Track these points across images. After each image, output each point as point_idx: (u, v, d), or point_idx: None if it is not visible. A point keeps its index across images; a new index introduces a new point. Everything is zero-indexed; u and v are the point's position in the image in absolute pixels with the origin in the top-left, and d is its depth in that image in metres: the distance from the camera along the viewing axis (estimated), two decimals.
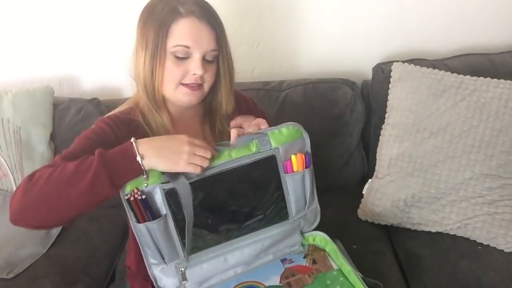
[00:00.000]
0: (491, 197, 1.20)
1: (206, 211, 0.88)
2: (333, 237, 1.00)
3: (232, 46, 0.95)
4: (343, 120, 1.46)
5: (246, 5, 1.50)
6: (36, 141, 1.41)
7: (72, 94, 1.58)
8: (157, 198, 0.84)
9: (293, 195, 0.95)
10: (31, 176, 0.78)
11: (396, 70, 1.35)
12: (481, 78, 1.27)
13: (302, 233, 1.01)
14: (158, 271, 0.89)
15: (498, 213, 1.19)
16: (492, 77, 1.27)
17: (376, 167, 1.35)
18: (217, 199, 0.89)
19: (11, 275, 1.19)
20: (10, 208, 0.76)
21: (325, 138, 1.46)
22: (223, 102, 0.97)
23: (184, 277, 0.90)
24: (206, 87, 0.93)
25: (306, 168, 0.94)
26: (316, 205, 1.01)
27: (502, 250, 1.18)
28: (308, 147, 0.95)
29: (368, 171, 1.52)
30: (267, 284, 0.91)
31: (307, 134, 0.94)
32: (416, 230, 1.28)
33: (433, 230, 1.25)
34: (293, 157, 0.92)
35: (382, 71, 1.43)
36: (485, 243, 1.20)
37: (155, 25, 0.86)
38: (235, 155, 0.88)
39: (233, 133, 0.88)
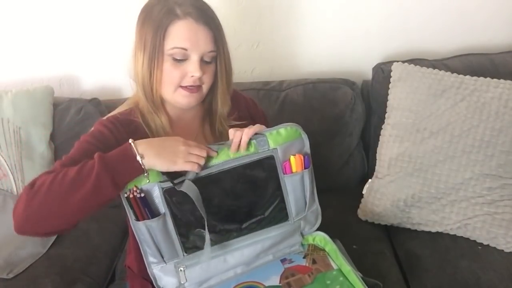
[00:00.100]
0: (491, 197, 1.20)
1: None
2: (333, 237, 1.00)
3: (232, 46, 0.95)
4: (343, 120, 1.46)
5: (246, 5, 1.50)
6: (36, 141, 1.41)
7: (72, 94, 1.58)
8: (156, 197, 0.85)
9: (292, 196, 0.95)
10: (32, 184, 0.77)
11: (396, 70, 1.35)
12: (481, 78, 1.27)
13: (302, 234, 1.01)
14: (158, 270, 0.90)
15: (498, 213, 1.19)
16: (492, 77, 1.27)
17: (376, 167, 1.35)
18: (215, 199, 0.89)
19: (11, 275, 1.19)
20: (14, 218, 0.76)
21: (325, 138, 1.46)
22: (220, 102, 0.98)
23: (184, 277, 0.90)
24: (205, 88, 0.93)
25: (305, 169, 0.93)
26: (316, 206, 1.01)
27: (502, 250, 1.18)
28: (307, 148, 0.95)
29: (368, 171, 1.52)
30: (267, 284, 0.91)
31: (306, 134, 0.94)
32: (416, 230, 1.28)
33: (433, 230, 1.25)
34: (292, 158, 0.92)
35: (382, 71, 1.43)
36: (485, 243, 1.20)
37: (152, 27, 0.86)
38: (233, 155, 0.88)
39: (231, 132, 0.89)
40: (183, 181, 0.84)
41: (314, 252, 0.99)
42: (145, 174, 0.81)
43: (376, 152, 1.36)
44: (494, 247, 1.19)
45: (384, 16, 1.51)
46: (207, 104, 1.01)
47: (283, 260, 0.97)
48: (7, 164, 1.37)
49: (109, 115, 0.96)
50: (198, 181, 0.85)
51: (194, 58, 0.87)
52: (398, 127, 1.30)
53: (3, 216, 1.34)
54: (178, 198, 0.86)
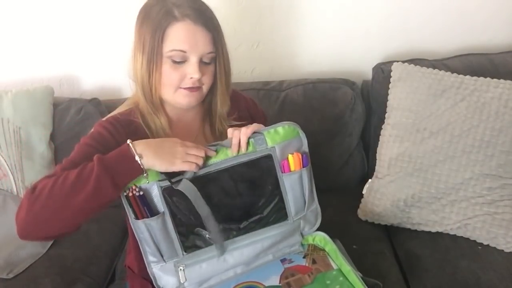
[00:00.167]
0: (491, 197, 1.20)
1: None
2: (333, 237, 1.00)
3: (232, 46, 0.95)
4: (343, 120, 1.46)
5: (246, 5, 1.50)
6: (36, 141, 1.41)
7: (72, 94, 1.58)
8: (155, 196, 0.85)
9: (291, 195, 0.95)
10: (33, 189, 0.78)
11: (396, 70, 1.35)
12: (481, 78, 1.27)
13: (302, 234, 1.01)
14: (158, 269, 0.90)
15: (498, 213, 1.19)
16: (492, 77, 1.27)
17: (376, 167, 1.35)
18: (214, 198, 0.89)
19: (11, 275, 1.19)
20: (17, 224, 0.77)
21: (325, 138, 1.46)
22: (219, 103, 0.98)
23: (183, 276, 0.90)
24: (205, 89, 0.93)
25: (303, 167, 0.94)
26: (316, 205, 1.01)
27: (502, 250, 1.18)
28: (305, 147, 0.95)
29: (368, 171, 1.52)
30: (266, 284, 0.91)
31: (304, 133, 0.94)
32: (416, 230, 1.28)
33: (433, 230, 1.25)
34: (290, 156, 0.93)
35: (382, 71, 1.43)
36: (485, 243, 1.20)
37: (151, 28, 0.86)
38: (231, 154, 0.89)
39: (230, 132, 0.89)
40: (180, 180, 0.84)
41: (314, 252, 0.99)
42: (144, 174, 0.82)
43: (376, 152, 1.36)
44: (494, 247, 1.19)
45: (384, 16, 1.51)
46: (206, 104, 1.01)
47: (283, 260, 0.97)
48: (7, 164, 1.37)
49: (109, 115, 0.96)
50: (196, 180, 0.86)
51: (193, 60, 0.87)
52: (398, 127, 1.30)
53: (3, 216, 1.34)
54: (177, 197, 0.86)
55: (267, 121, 1.12)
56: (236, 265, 0.94)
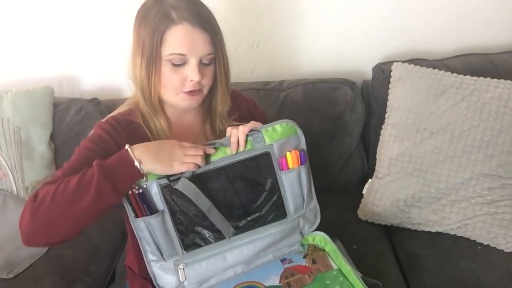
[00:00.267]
0: (491, 197, 1.20)
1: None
2: (333, 237, 1.00)
3: (232, 46, 0.96)
4: (343, 120, 1.46)
5: (246, 5, 1.50)
6: (36, 141, 1.41)
7: (72, 94, 1.58)
8: (154, 194, 0.86)
9: (290, 193, 0.95)
10: (35, 196, 0.78)
11: (396, 70, 1.35)
12: (481, 78, 1.27)
13: (302, 234, 1.01)
14: (157, 268, 0.90)
15: (498, 213, 1.19)
16: (492, 77, 1.27)
17: (376, 167, 1.35)
18: (212, 196, 0.89)
19: (11, 275, 1.19)
20: (21, 231, 0.77)
21: (325, 138, 1.46)
22: (220, 102, 0.98)
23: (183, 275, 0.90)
24: (206, 90, 0.93)
25: (301, 165, 0.94)
26: (315, 204, 1.01)
27: (502, 250, 1.18)
28: (303, 144, 0.95)
29: (368, 171, 1.52)
30: (266, 284, 0.91)
31: (302, 131, 0.94)
32: (416, 230, 1.28)
33: (433, 230, 1.25)
34: (288, 154, 0.93)
35: (382, 71, 1.43)
36: (485, 243, 1.20)
37: (149, 31, 0.85)
38: (230, 152, 0.89)
39: (228, 130, 0.90)
40: (179, 179, 0.85)
41: (314, 252, 0.99)
42: (144, 178, 0.83)
43: (376, 152, 1.36)
44: (494, 247, 1.19)
45: (384, 16, 1.51)
46: (207, 104, 1.01)
47: (283, 260, 0.97)
48: (7, 164, 1.37)
49: (109, 115, 0.96)
50: (195, 178, 0.86)
51: (193, 63, 0.87)
52: (398, 127, 1.30)
53: (3, 216, 1.34)
54: (177, 195, 0.86)
55: (268, 121, 1.11)
56: (236, 264, 0.94)
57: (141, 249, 0.89)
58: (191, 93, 0.90)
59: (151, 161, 0.81)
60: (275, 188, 0.94)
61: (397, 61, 1.37)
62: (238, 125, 0.91)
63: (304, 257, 0.97)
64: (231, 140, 0.89)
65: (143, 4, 0.89)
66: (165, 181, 0.85)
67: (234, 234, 0.93)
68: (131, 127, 0.93)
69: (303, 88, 1.48)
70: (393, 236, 1.33)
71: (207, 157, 0.88)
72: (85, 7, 1.49)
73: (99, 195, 0.77)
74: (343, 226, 1.29)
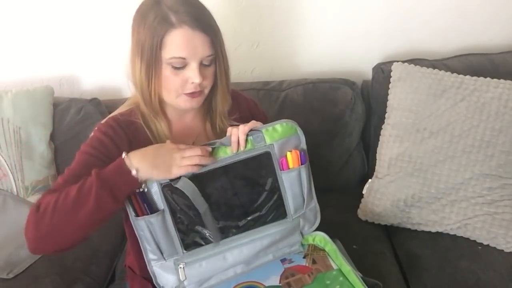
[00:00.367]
0: (491, 197, 1.20)
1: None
2: (333, 237, 1.00)
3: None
4: (343, 120, 1.46)
5: (246, 5, 1.50)
6: (36, 141, 1.41)
7: (72, 94, 1.58)
8: (154, 193, 0.86)
9: (290, 193, 0.95)
10: (37, 206, 0.79)
11: (396, 70, 1.35)
12: (481, 78, 1.27)
13: (302, 234, 1.01)
14: (158, 267, 0.90)
15: (498, 213, 1.19)
16: (492, 77, 1.27)
17: (376, 167, 1.35)
18: (213, 196, 0.89)
19: (11, 275, 1.19)
20: (27, 240, 0.79)
21: (325, 138, 1.46)
22: (221, 101, 0.98)
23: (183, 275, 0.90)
24: (207, 90, 0.93)
25: (301, 164, 0.94)
26: (315, 204, 1.01)
27: (502, 250, 1.18)
28: (303, 144, 0.95)
29: (368, 171, 1.52)
30: (267, 284, 0.91)
31: (302, 131, 0.95)
32: (416, 230, 1.28)
33: (433, 230, 1.25)
34: (288, 154, 0.93)
35: (382, 71, 1.43)
36: (485, 243, 1.20)
37: (148, 35, 0.84)
38: (230, 152, 0.89)
39: (229, 130, 0.90)
40: (179, 178, 0.85)
41: (314, 252, 0.99)
42: (143, 186, 0.84)
43: (376, 152, 1.36)
44: (494, 247, 1.19)
45: (384, 16, 1.51)
46: (207, 104, 1.01)
47: (283, 260, 0.97)
48: (7, 164, 1.37)
49: (110, 116, 0.96)
50: (195, 178, 0.86)
51: (193, 65, 0.86)
52: (398, 127, 1.30)
53: (3, 216, 1.34)
54: (177, 194, 0.86)
55: (268, 122, 1.11)
56: (236, 264, 0.94)
57: (142, 248, 0.89)
58: (192, 94, 0.90)
59: (148, 168, 0.81)
60: (275, 188, 0.94)
61: (397, 61, 1.37)
62: (239, 125, 0.91)
63: (304, 257, 0.97)
64: (231, 139, 0.89)
65: (140, 6, 0.88)
66: (165, 180, 0.85)
67: (234, 234, 0.93)
68: (131, 128, 0.93)
69: (303, 88, 1.48)
70: (393, 236, 1.33)
71: (214, 154, 0.88)
72: (85, 7, 1.49)
73: (99, 204, 0.78)
74: (343, 226, 1.28)
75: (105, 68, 1.57)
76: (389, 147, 1.31)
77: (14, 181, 1.37)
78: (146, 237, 0.87)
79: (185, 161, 0.84)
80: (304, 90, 1.47)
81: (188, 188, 0.85)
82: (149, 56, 0.85)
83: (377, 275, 0.96)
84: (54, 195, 0.79)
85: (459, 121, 1.23)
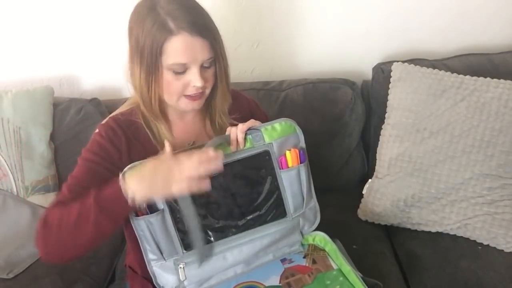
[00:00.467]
0: (491, 197, 1.20)
1: (201, 207, 0.89)
2: (333, 237, 1.00)
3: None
4: (343, 120, 1.46)
5: (246, 5, 1.50)
6: (36, 141, 1.41)
7: (72, 94, 1.58)
8: None
9: (289, 192, 0.95)
10: (45, 220, 0.82)
11: (396, 70, 1.35)
12: (481, 78, 1.27)
13: (302, 233, 1.01)
14: (157, 267, 0.90)
15: (498, 213, 1.19)
16: (492, 77, 1.27)
17: (376, 167, 1.35)
18: (212, 195, 0.89)
19: (11, 275, 1.19)
20: (38, 250, 0.83)
21: (325, 138, 1.46)
22: (221, 100, 0.98)
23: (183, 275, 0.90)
24: (208, 91, 0.93)
25: (301, 163, 0.94)
26: (314, 203, 1.01)
27: (502, 250, 1.18)
28: (302, 143, 0.96)
29: (368, 171, 1.52)
30: (267, 284, 0.91)
31: (301, 129, 0.95)
32: (416, 230, 1.28)
33: (433, 230, 1.25)
34: (287, 152, 0.93)
35: (382, 71, 1.43)
36: (485, 243, 1.20)
37: (147, 41, 0.84)
38: (229, 150, 0.90)
39: (228, 129, 0.91)
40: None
41: (314, 252, 0.99)
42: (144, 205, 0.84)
43: (376, 152, 1.36)
44: (494, 247, 1.19)
45: (384, 16, 1.51)
46: (206, 102, 1.01)
47: (283, 260, 0.97)
48: (7, 164, 1.37)
49: (110, 115, 0.96)
50: None
51: (194, 70, 0.86)
52: (398, 127, 1.30)
53: (3, 216, 1.34)
54: None
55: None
56: (235, 263, 0.94)
57: (141, 248, 0.89)
58: (193, 97, 0.90)
59: (147, 192, 0.80)
60: (275, 187, 0.94)
61: (397, 61, 1.37)
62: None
63: (304, 257, 0.97)
64: (230, 138, 0.89)
65: (136, 9, 0.87)
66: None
67: (234, 234, 0.93)
68: (132, 128, 0.94)
69: (303, 88, 1.48)
70: (393, 236, 1.33)
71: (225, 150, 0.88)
72: (85, 7, 1.49)
73: (98, 228, 0.80)
74: (343, 226, 1.28)
75: (105, 68, 1.57)
76: (389, 147, 1.31)
77: (14, 181, 1.37)
78: (146, 237, 0.87)
79: (184, 178, 0.78)
80: (304, 90, 1.47)
81: (184, 203, 0.84)
82: (148, 62, 0.85)
83: (377, 275, 0.96)
84: (59, 211, 0.82)
85: (459, 121, 1.23)
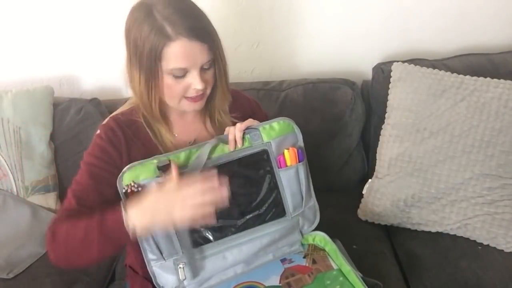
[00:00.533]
0: (491, 197, 1.20)
1: None
2: (333, 237, 1.00)
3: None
4: (343, 120, 1.46)
5: (246, 5, 1.50)
6: (36, 141, 1.41)
7: (72, 94, 1.58)
8: None
9: (288, 191, 0.95)
10: (53, 232, 0.84)
11: (396, 70, 1.35)
12: (481, 78, 1.27)
13: (302, 233, 1.01)
14: (157, 267, 0.90)
15: (498, 213, 1.19)
16: (492, 77, 1.27)
17: (376, 167, 1.35)
18: None
19: (11, 275, 1.19)
20: (50, 258, 0.85)
21: (325, 138, 1.46)
22: (220, 99, 0.98)
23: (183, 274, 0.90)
24: (208, 91, 0.93)
25: (299, 162, 0.94)
26: (314, 202, 1.01)
27: (502, 250, 1.18)
28: (300, 142, 0.96)
29: (368, 171, 1.52)
30: (267, 284, 0.91)
31: (299, 128, 0.95)
32: (416, 230, 1.28)
33: (433, 230, 1.25)
34: (285, 151, 0.93)
35: (382, 71, 1.43)
36: (485, 243, 1.20)
37: (145, 47, 0.83)
38: (228, 150, 0.90)
39: (226, 129, 0.92)
40: None
41: (314, 252, 0.99)
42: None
43: (376, 152, 1.36)
44: (494, 247, 1.19)
45: (384, 16, 1.51)
46: (206, 102, 1.01)
47: (283, 260, 0.97)
48: (7, 164, 1.37)
49: (111, 115, 0.97)
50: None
51: (194, 73, 0.86)
52: (398, 127, 1.30)
53: (3, 216, 1.34)
54: None
55: None
56: (235, 263, 0.94)
57: (141, 248, 0.89)
58: (194, 99, 0.90)
59: (147, 224, 0.81)
60: (274, 186, 0.94)
61: (397, 61, 1.37)
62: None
63: (304, 257, 0.97)
64: (228, 137, 0.90)
65: (132, 13, 0.86)
66: (163, 179, 0.85)
67: (233, 233, 0.93)
68: (133, 127, 0.94)
69: (303, 88, 1.48)
70: (393, 236, 1.33)
71: (212, 152, 0.89)
72: (85, 7, 1.49)
73: (103, 252, 0.83)
74: (343, 226, 1.28)
75: (105, 68, 1.57)
76: (389, 147, 1.31)
77: (14, 181, 1.37)
78: (146, 237, 0.87)
79: (189, 210, 0.77)
80: (304, 90, 1.48)
81: None
82: (148, 67, 0.85)
83: (377, 275, 0.96)
84: (66, 226, 0.83)
85: (459, 121, 1.23)
